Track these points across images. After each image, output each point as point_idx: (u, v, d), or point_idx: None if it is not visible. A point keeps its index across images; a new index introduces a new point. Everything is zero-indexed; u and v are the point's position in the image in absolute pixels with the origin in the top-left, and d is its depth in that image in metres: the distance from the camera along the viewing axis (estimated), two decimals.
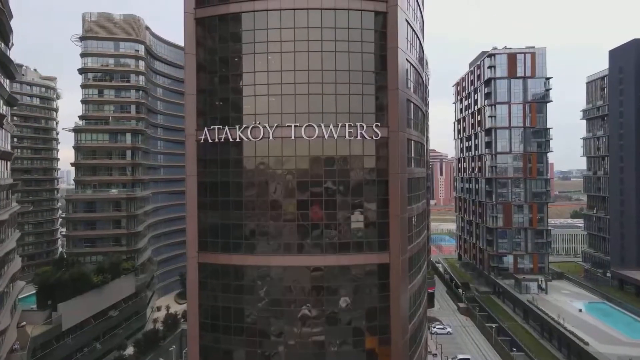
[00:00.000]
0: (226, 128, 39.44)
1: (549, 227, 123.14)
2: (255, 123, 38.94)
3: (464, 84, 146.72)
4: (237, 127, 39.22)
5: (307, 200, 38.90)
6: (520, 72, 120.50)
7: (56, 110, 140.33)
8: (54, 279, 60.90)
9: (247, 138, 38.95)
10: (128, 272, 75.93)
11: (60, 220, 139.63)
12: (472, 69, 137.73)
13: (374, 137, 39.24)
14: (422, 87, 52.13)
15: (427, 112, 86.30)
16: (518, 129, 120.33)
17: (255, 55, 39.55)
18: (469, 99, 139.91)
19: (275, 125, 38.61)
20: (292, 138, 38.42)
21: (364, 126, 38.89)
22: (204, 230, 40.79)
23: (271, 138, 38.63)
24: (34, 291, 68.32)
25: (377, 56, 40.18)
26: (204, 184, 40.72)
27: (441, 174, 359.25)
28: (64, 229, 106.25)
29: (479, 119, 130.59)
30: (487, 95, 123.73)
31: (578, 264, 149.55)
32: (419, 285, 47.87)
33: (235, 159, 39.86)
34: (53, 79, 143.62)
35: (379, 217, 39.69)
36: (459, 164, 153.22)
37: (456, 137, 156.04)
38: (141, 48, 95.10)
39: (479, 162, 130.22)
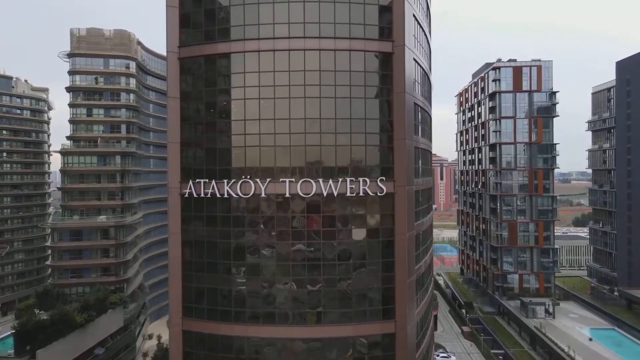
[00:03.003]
0: (213, 182, 35.41)
1: (556, 246, 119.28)
2: (245, 177, 34.87)
3: (467, 95, 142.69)
4: (225, 181, 35.17)
5: (304, 265, 34.86)
6: (525, 85, 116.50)
7: (47, 122, 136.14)
8: (32, 324, 56.74)
9: (236, 194, 34.89)
10: (116, 306, 71.83)
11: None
12: (475, 80, 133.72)
13: (378, 193, 35.17)
14: (429, 124, 48.07)
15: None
16: (523, 144, 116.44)
17: (245, 100, 35.49)
18: (473, 111, 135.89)
19: (268, 180, 34.58)
20: (287, 195, 34.37)
21: (367, 181, 34.84)
22: (189, 295, 36.74)
23: (263, 195, 34.58)
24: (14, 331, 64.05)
25: (382, 102, 36.11)
26: (189, 243, 36.66)
27: (441, 178, 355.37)
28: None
29: (482, 133, 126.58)
30: (492, 109, 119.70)
31: (583, 279, 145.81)
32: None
33: (222, 216, 35.74)
34: (44, 90, 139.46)
35: (384, 283, 35.61)
36: (462, 177, 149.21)
37: (459, 148, 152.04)
38: (132, 65, 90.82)
39: (483, 177, 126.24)
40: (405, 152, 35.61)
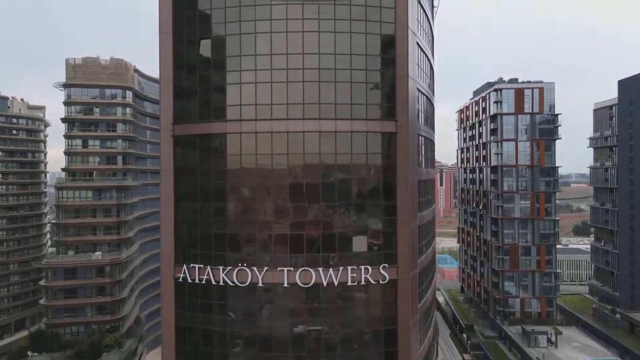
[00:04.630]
0: (208, 268, 33.99)
1: (558, 271, 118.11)
2: (241, 265, 33.47)
3: (468, 113, 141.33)
4: (221, 267, 33.75)
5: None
6: (527, 107, 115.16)
7: (44, 141, 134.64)
8: None
9: (232, 282, 33.48)
10: (111, 349, 70.53)
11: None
12: (476, 99, 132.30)
13: (380, 281, 33.76)
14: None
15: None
16: (525, 167, 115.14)
17: (244, 187, 34.07)
18: (474, 130, 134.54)
19: (266, 268, 33.17)
20: (285, 285, 32.98)
21: (369, 269, 33.44)
22: None
23: (260, 284, 33.19)
24: None
25: (386, 184, 34.68)
26: (182, 329, 35.25)
27: (441, 184, 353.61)
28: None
29: (484, 154, 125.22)
30: (493, 131, 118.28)
31: (585, 297, 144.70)
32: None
33: (218, 304, 34.33)
34: (41, 108, 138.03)
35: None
36: (462, 195, 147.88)
37: (459, 165, 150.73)
38: (129, 94, 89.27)
39: (484, 199, 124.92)
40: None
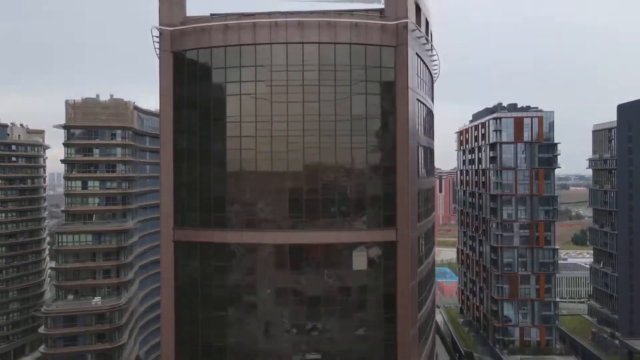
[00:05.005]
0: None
1: (557, 300, 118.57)
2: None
3: (467, 136, 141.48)
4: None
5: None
6: (527, 136, 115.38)
7: (43, 167, 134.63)
8: None
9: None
10: None
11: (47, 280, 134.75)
12: (476, 123, 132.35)
13: None
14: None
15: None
16: (525, 196, 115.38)
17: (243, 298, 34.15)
18: (473, 155, 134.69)
19: None
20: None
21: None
22: None
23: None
24: None
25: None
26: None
27: (440, 191, 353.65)
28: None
29: (483, 180, 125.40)
30: (493, 159, 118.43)
31: (584, 319, 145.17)
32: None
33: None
34: (40, 132, 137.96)
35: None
36: (462, 216, 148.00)
37: (459, 187, 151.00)
38: (129, 134, 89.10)
39: (484, 225, 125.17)
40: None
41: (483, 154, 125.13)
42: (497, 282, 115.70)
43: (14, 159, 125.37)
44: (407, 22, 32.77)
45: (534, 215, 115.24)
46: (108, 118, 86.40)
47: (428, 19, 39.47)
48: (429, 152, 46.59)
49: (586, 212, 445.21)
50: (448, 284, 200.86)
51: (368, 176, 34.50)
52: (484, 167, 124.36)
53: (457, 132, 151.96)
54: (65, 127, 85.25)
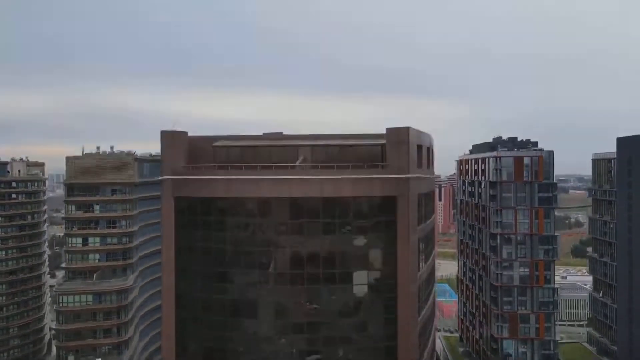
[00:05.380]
0: None
1: (557, 339, 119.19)
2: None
3: (467, 166, 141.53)
4: None
5: None
6: (526, 176, 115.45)
7: (44, 201, 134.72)
8: None
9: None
10: None
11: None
12: (476, 157, 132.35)
13: None
14: None
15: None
16: (524, 235, 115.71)
17: None
18: (473, 187, 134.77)
19: None
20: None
21: None
22: None
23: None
24: None
25: None
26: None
27: (440, 199, 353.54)
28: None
29: (483, 216, 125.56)
30: (492, 197, 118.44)
31: (584, 347, 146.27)
32: None
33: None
34: (41, 165, 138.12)
35: None
36: (462, 246, 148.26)
37: (459, 216, 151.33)
38: (130, 190, 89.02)
39: (483, 261, 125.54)
40: None
41: (483, 190, 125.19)
42: (497, 321, 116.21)
43: (14, 195, 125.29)
44: (408, 177, 32.84)
45: (534, 254, 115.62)
46: (109, 173, 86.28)
47: (431, 147, 39.51)
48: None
49: (585, 218, 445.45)
50: (448, 303, 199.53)
51: None
52: (484, 203, 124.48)
53: (457, 161, 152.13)
54: (66, 184, 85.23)
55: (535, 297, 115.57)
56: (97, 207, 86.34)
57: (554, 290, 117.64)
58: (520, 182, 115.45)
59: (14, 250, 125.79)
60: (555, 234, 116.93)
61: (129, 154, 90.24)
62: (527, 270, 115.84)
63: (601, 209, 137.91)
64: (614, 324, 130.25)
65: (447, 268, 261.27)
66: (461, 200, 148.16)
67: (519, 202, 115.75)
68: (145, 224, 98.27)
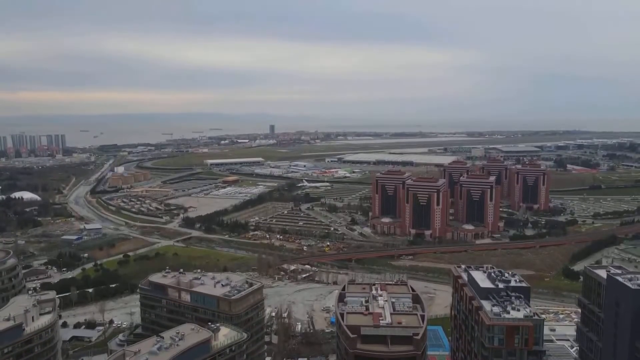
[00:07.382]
0: None
1: None
2: None
3: (462, 293, 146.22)
4: None
5: None
6: (517, 342, 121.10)
7: (58, 351, 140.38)
8: None
9: None
10: None
11: None
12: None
13: None
14: None
15: None
16: None
17: None
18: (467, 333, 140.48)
19: None
20: None
21: None
22: None
23: None
24: None
25: None
26: None
27: (437, 204, 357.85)
28: None
29: None
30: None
31: None
32: None
33: None
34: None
35: None
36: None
37: (452, 327, 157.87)
38: None
39: None
40: None
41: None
42: None
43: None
44: None
45: None
46: None
47: None
48: None
49: (584, 212, 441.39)
50: (439, 355, 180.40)
51: None
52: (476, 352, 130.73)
53: (452, 278, 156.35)
54: None
55: None
56: None
57: None
58: (510, 349, 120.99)
59: None
60: None
61: None
62: None
63: (588, 324, 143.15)
64: None
65: (442, 298, 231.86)
66: (455, 316, 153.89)
67: None
68: None
